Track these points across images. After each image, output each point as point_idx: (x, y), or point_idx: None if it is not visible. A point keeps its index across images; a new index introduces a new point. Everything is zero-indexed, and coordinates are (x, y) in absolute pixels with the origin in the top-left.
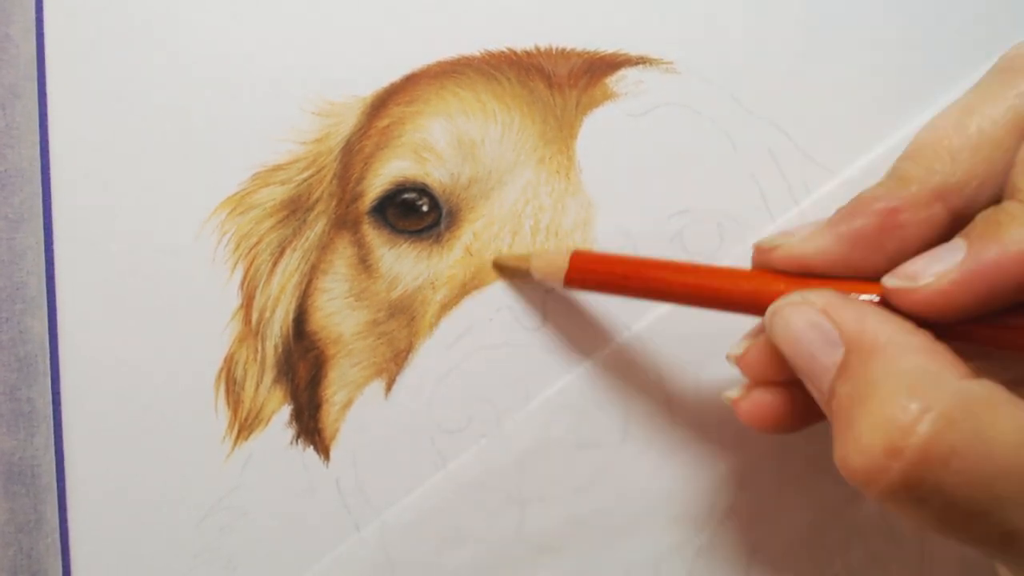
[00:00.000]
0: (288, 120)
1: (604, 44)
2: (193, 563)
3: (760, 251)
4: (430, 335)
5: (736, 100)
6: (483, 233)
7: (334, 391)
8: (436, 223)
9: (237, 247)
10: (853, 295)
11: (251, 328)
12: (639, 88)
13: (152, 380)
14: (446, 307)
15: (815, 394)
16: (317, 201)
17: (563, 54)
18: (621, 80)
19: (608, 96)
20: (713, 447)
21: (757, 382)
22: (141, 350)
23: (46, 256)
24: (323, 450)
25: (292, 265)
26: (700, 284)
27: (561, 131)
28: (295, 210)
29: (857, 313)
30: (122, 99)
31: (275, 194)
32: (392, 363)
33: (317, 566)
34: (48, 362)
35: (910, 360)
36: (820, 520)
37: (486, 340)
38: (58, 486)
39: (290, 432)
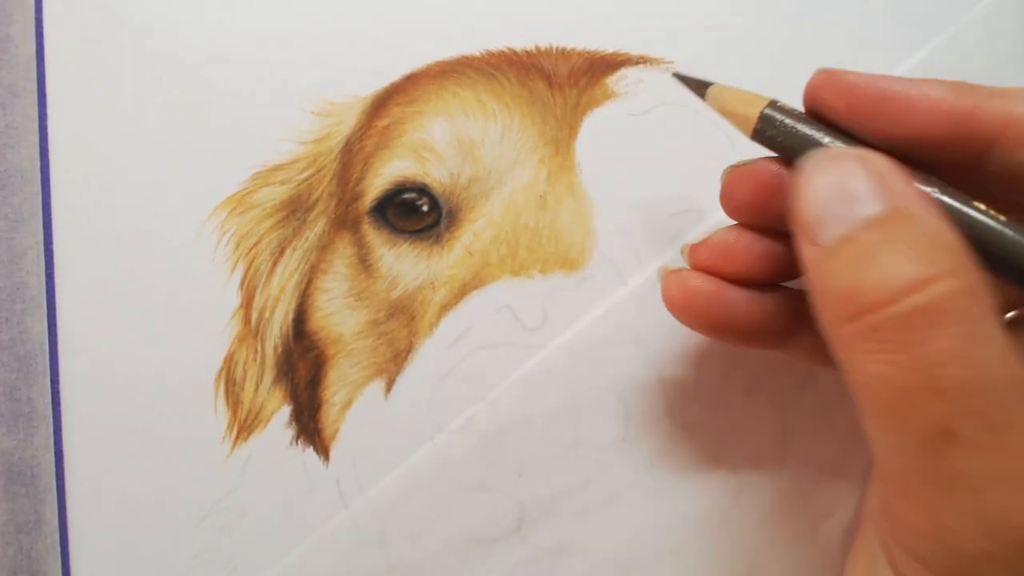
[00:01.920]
0: (288, 120)
1: (604, 44)
2: (193, 563)
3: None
4: (430, 335)
5: None
6: (483, 233)
7: (334, 391)
8: (436, 223)
9: (237, 247)
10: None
11: (251, 328)
12: (639, 88)
13: (152, 380)
14: (446, 307)
15: (803, 231)
16: (317, 201)
17: (563, 54)
18: (621, 80)
19: (608, 96)
20: (713, 448)
21: (698, 268)
22: (141, 350)
23: (46, 256)
24: (323, 450)
25: (292, 265)
26: None
27: (561, 131)
28: (295, 210)
29: (912, 187)
30: (122, 99)
31: (275, 194)
32: (392, 363)
33: (313, 567)
34: (48, 362)
35: (952, 236)
36: (821, 521)
37: (486, 340)
38: (58, 486)
39: (290, 432)
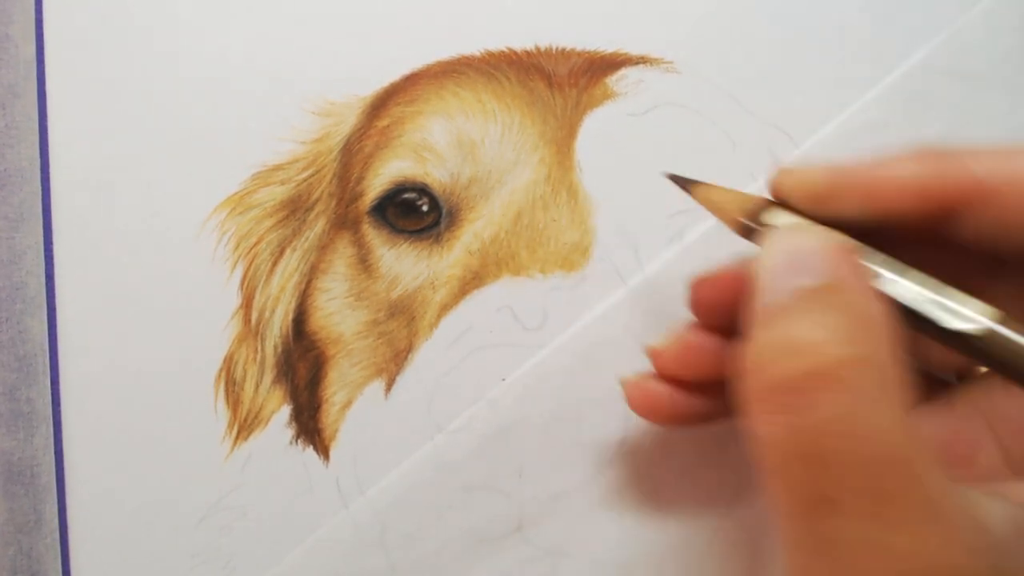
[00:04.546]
0: (288, 120)
1: (604, 44)
2: (193, 563)
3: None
4: (430, 335)
5: (736, 100)
6: (483, 233)
7: (334, 391)
8: (436, 223)
9: (237, 247)
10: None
11: (251, 328)
12: (639, 88)
13: (152, 380)
14: (446, 307)
15: (755, 297)
16: (317, 201)
17: (563, 54)
18: (621, 80)
19: (608, 96)
20: (714, 446)
21: (663, 376)
22: (141, 350)
23: (46, 256)
24: (323, 450)
25: (292, 265)
26: None
27: (561, 131)
28: (295, 210)
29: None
30: (122, 99)
31: (275, 194)
32: (392, 363)
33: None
34: (48, 362)
35: (875, 315)
36: None
37: (486, 340)
38: (58, 486)
39: (290, 432)
